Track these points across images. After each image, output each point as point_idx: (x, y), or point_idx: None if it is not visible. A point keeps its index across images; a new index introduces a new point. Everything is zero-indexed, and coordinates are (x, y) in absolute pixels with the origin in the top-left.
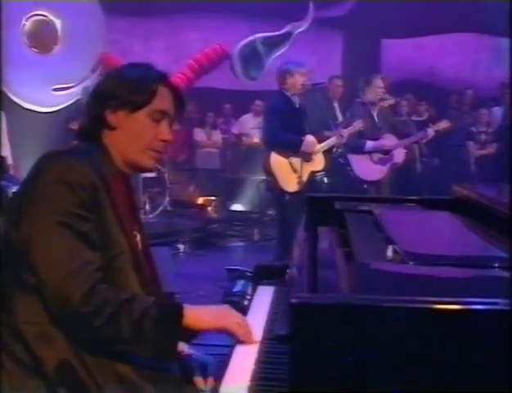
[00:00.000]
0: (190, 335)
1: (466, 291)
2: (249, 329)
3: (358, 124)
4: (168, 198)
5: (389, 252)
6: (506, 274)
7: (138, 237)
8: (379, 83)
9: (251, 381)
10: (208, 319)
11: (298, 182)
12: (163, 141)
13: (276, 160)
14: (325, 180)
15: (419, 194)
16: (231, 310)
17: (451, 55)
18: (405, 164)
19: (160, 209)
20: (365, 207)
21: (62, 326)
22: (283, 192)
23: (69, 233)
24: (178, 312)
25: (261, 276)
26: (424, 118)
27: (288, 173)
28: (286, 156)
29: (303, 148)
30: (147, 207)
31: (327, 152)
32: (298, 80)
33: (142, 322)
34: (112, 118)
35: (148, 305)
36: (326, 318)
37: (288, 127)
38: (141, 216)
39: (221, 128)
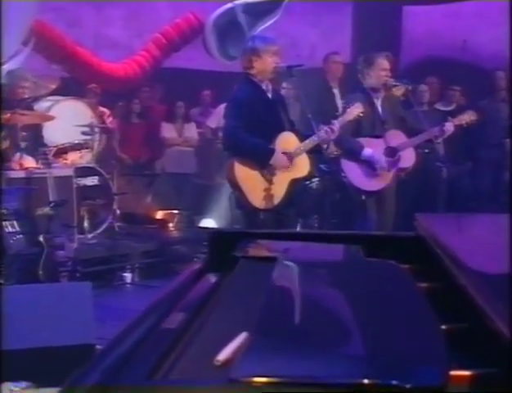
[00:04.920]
0: None
1: None
2: None
3: (356, 110)
4: (115, 212)
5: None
6: None
7: None
8: (383, 63)
9: None
10: None
11: (273, 196)
12: None
13: (243, 168)
14: (311, 190)
15: (433, 209)
16: None
17: (491, 26)
18: (422, 170)
19: (104, 226)
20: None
21: None
22: (255, 209)
23: None
24: None
25: None
26: (451, 108)
27: (258, 184)
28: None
29: (272, 162)
30: (85, 225)
31: (313, 153)
32: (267, 62)
33: None
34: None
35: None
36: None
37: (258, 124)
38: (79, 236)
39: (197, 121)
